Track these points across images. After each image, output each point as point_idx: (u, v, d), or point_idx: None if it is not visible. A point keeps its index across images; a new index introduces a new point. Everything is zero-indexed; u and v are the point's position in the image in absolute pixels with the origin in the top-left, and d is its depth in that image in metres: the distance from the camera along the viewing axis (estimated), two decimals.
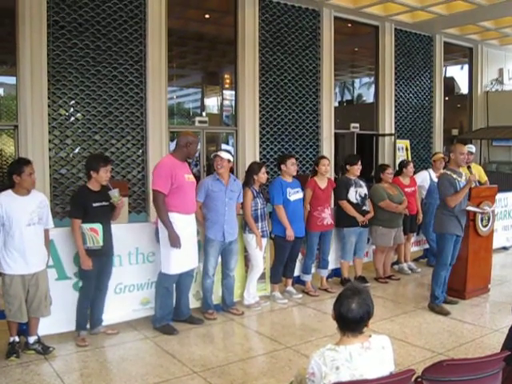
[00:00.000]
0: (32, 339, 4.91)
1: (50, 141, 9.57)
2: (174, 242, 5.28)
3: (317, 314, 6.18)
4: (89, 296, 5.24)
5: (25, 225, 4.69)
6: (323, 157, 7.31)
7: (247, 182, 6.26)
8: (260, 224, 6.22)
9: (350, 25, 14.35)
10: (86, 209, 5.06)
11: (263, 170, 6.31)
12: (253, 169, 6.31)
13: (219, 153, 5.99)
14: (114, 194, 5.16)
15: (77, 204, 5.16)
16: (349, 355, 2.59)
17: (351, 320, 2.65)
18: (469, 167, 6.39)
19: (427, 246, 8.56)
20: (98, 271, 5.19)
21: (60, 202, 9.77)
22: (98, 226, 5.09)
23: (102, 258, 5.18)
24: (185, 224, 5.44)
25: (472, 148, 8.81)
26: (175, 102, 13.44)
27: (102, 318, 5.44)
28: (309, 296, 6.84)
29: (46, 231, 4.96)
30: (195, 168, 12.28)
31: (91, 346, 5.10)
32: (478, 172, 8.76)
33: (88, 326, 5.35)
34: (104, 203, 5.17)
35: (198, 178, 10.97)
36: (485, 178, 8.84)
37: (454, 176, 6.06)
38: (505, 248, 9.64)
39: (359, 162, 7.14)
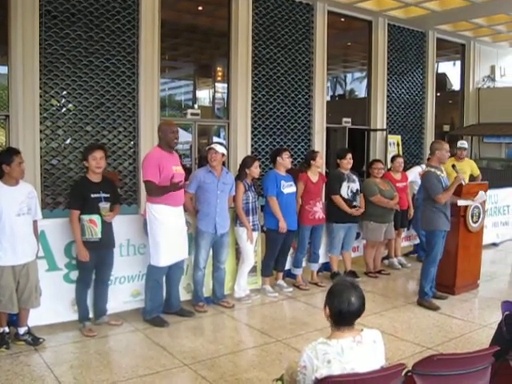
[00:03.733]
0: (22, 330, 4.90)
1: (41, 131, 9.49)
2: (175, 186, 5.21)
3: (307, 308, 6.20)
4: (86, 286, 5.27)
5: (14, 215, 4.66)
6: (317, 151, 7.35)
7: (240, 176, 6.27)
8: (251, 218, 6.23)
9: (343, 19, 14.31)
10: (84, 200, 5.06)
11: (256, 164, 6.31)
12: (246, 162, 6.32)
13: (214, 146, 5.99)
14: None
15: (75, 195, 5.19)
16: (340, 349, 2.61)
17: (352, 313, 2.68)
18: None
19: (417, 241, 8.61)
20: (97, 263, 5.22)
21: (50, 192, 9.72)
22: (97, 218, 5.09)
23: (101, 249, 5.19)
24: (173, 216, 5.46)
25: (464, 144, 8.93)
26: (167, 93, 13.38)
27: (106, 309, 5.47)
28: (299, 290, 6.86)
29: (35, 222, 4.93)
30: (187, 159, 12.25)
31: (81, 338, 5.10)
32: (471, 167, 8.86)
33: (92, 316, 5.40)
34: (103, 195, 5.15)
35: (189, 169, 10.99)
36: (477, 172, 8.90)
37: (438, 172, 6.14)
38: (495, 244, 9.71)
39: (348, 156, 7.15)
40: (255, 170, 6.28)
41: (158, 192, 5.30)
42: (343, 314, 2.68)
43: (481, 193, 6.54)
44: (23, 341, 4.88)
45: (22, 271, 4.75)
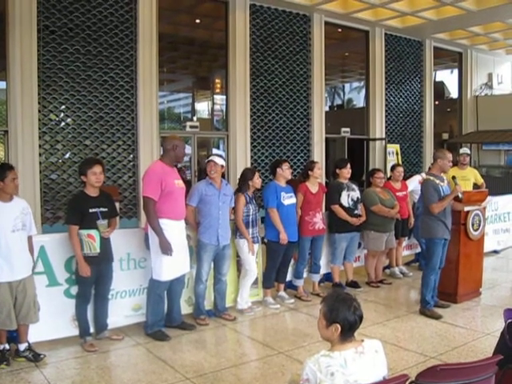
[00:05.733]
0: (22, 346, 4.86)
1: (40, 146, 9.52)
2: (165, 249, 5.25)
3: (309, 319, 6.15)
4: (85, 301, 5.24)
5: (9, 231, 4.63)
6: (316, 161, 7.35)
7: (241, 188, 6.27)
8: (251, 230, 6.22)
9: (340, 30, 14.38)
10: (82, 215, 5.03)
11: (257, 175, 6.32)
12: (247, 174, 6.31)
13: (213, 158, 6.00)
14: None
15: (73, 210, 5.15)
16: (343, 361, 2.59)
17: (361, 320, 2.71)
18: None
19: (419, 250, 8.58)
20: (96, 277, 5.19)
21: (50, 207, 9.72)
22: (95, 233, 5.07)
23: (100, 264, 5.16)
24: (175, 230, 5.43)
25: (467, 150, 9.09)
26: (166, 106, 13.41)
27: (107, 323, 5.44)
28: (301, 301, 6.83)
29: (30, 238, 4.90)
30: (187, 171, 12.25)
31: (82, 353, 5.07)
32: (474, 175, 8.90)
33: (93, 331, 5.37)
34: (102, 209, 5.15)
35: (189, 182, 11.00)
36: (481, 181, 8.95)
37: (437, 181, 6.15)
38: (495, 251, 9.68)
39: (348, 165, 7.17)
40: (257, 180, 6.28)
41: (152, 217, 5.26)
42: (352, 323, 2.69)
43: (488, 197, 6.59)
44: (24, 357, 4.84)
45: (19, 287, 4.72)
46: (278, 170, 6.55)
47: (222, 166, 6.03)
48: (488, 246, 8.53)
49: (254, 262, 6.31)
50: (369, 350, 2.68)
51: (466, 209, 6.47)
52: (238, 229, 6.20)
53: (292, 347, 5.25)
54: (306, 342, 5.36)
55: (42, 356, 4.86)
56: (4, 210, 4.65)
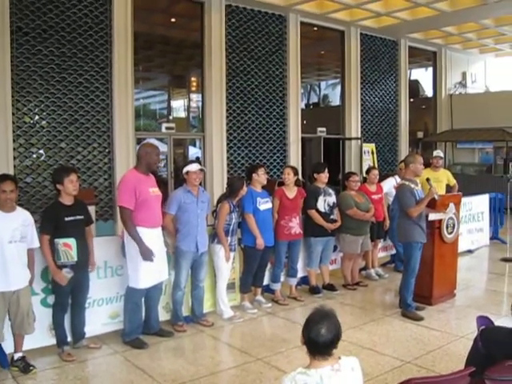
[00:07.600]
0: (16, 356, 4.87)
1: (14, 149, 9.40)
2: (146, 255, 5.26)
3: (286, 324, 6.21)
4: (62, 311, 5.21)
5: (6, 242, 4.62)
6: (287, 166, 7.39)
7: (226, 196, 6.28)
8: (229, 238, 6.23)
9: (315, 29, 14.44)
10: (57, 224, 5.00)
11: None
12: (237, 185, 6.30)
13: (190, 167, 5.97)
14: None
15: (46, 219, 5.11)
16: (320, 378, 2.62)
17: (321, 344, 2.67)
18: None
19: (394, 251, 8.68)
20: (73, 286, 5.15)
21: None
22: (72, 241, 5.04)
23: (78, 272, 5.11)
24: (152, 237, 5.42)
25: (440, 153, 9.12)
26: (142, 104, 13.32)
27: (84, 332, 5.40)
28: (278, 305, 6.85)
29: (30, 250, 4.88)
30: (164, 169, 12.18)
31: (60, 363, 5.05)
32: (447, 176, 9.00)
33: (71, 339, 5.34)
34: (78, 217, 5.13)
35: (164, 181, 10.99)
36: (453, 182, 9.04)
37: (412, 186, 6.24)
38: (470, 251, 9.82)
39: (326, 170, 7.21)
40: (246, 188, 6.32)
41: (129, 226, 5.26)
42: (313, 344, 2.70)
43: (451, 205, 6.64)
44: (16, 367, 4.84)
45: (13, 298, 4.71)
46: (254, 175, 6.56)
47: (202, 170, 6.06)
48: (462, 245, 8.66)
49: (226, 268, 6.31)
50: (345, 367, 2.71)
51: (430, 217, 6.52)
52: (216, 235, 6.21)
53: (270, 353, 5.27)
54: (283, 348, 5.39)
55: (31, 368, 4.82)
56: (3, 221, 4.63)
